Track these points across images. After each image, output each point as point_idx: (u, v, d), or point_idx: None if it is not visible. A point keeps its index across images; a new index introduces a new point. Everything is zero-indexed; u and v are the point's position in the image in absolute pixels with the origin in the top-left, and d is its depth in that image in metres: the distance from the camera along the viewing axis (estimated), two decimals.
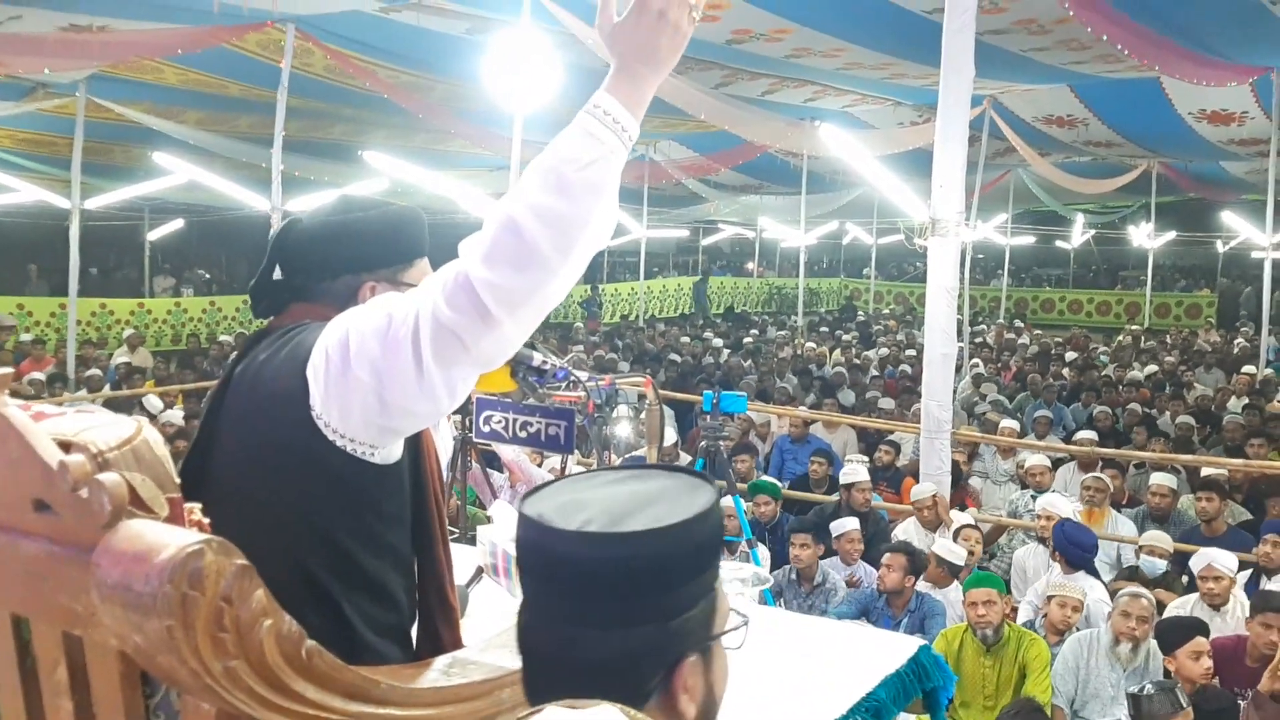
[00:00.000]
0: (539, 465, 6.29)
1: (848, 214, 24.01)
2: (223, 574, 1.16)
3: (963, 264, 8.13)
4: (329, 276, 1.71)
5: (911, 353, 14.46)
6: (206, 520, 1.38)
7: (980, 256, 25.55)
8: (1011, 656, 4.82)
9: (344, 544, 1.57)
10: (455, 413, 1.64)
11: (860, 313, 24.17)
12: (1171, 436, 9.11)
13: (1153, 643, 4.71)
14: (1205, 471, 7.17)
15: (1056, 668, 4.82)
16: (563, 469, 6.39)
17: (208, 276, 24.31)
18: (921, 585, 5.49)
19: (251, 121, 12.86)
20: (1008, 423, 9.16)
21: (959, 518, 6.41)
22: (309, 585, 1.53)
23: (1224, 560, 5.15)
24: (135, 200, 17.08)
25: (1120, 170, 18.08)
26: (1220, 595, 5.10)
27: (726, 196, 22.35)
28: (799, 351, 15.35)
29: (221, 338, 14.84)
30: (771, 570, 5.66)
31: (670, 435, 7.88)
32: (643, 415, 4.31)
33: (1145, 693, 3.85)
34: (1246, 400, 10.77)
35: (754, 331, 19.01)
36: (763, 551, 5.83)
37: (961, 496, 7.52)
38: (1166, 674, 4.41)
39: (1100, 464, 7.55)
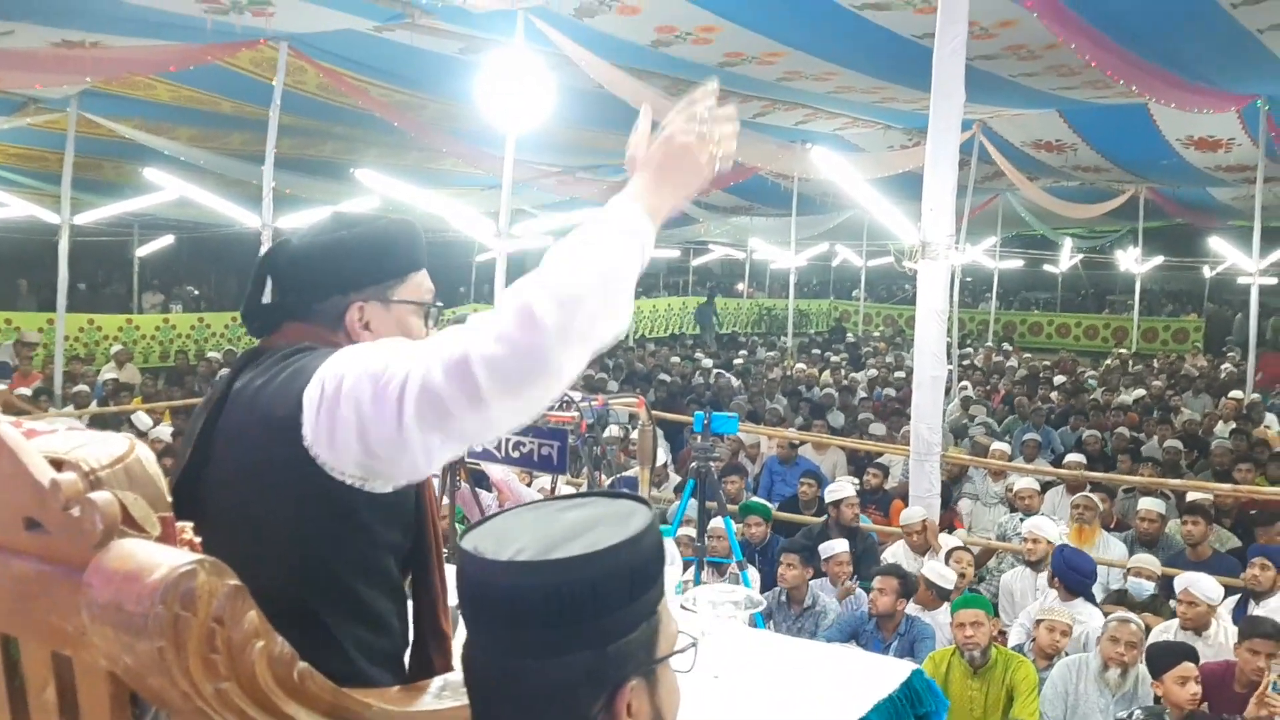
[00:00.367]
0: (528, 485, 6.27)
1: (838, 236, 24.09)
2: (215, 595, 1.15)
3: (952, 287, 8.16)
4: (318, 297, 1.69)
5: (900, 375, 14.51)
6: (198, 540, 1.37)
7: (969, 279, 25.63)
8: (999, 679, 4.81)
9: (338, 570, 1.55)
10: None
11: (850, 334, 24.22)
12: (1159, 461, 9.13)
13: (1142, 668, 4.70)
14: (1191, 496, 7.20)
15: (1046, 692, 4.81)
16: (553, 489, 6.39)
17: (197, 293, 24.25)
18: (910, 608, 5.48)
19: (243, 138, 12.87)
20: (998, 445, 9.19)
21: (949, 540, 6.42)
22: (302, 611, 1.51)
23: (1203, 586, 5.15)
24: (125, 216, 17.03)
25: (1108, 195, 18.21)
26: (1195, 621, 5.10)
27: (717, 217, 22.41)
28: (789, 373, 15.37)
29: (210, 354, 14.78)
30: (762, 592, 5.64)
31: (661, 456, 7.88)
32: (634, 435, 4.31)
33: (1134, 718, 3.85)
34: (1234, 425, 10.81)
35: (744, 352, 19.02)
36: (753, 573, 5.81)
37: (950, 518, 7.52)
38: (1156, 700, 4.40)
39: (1088, 488, 7.56)
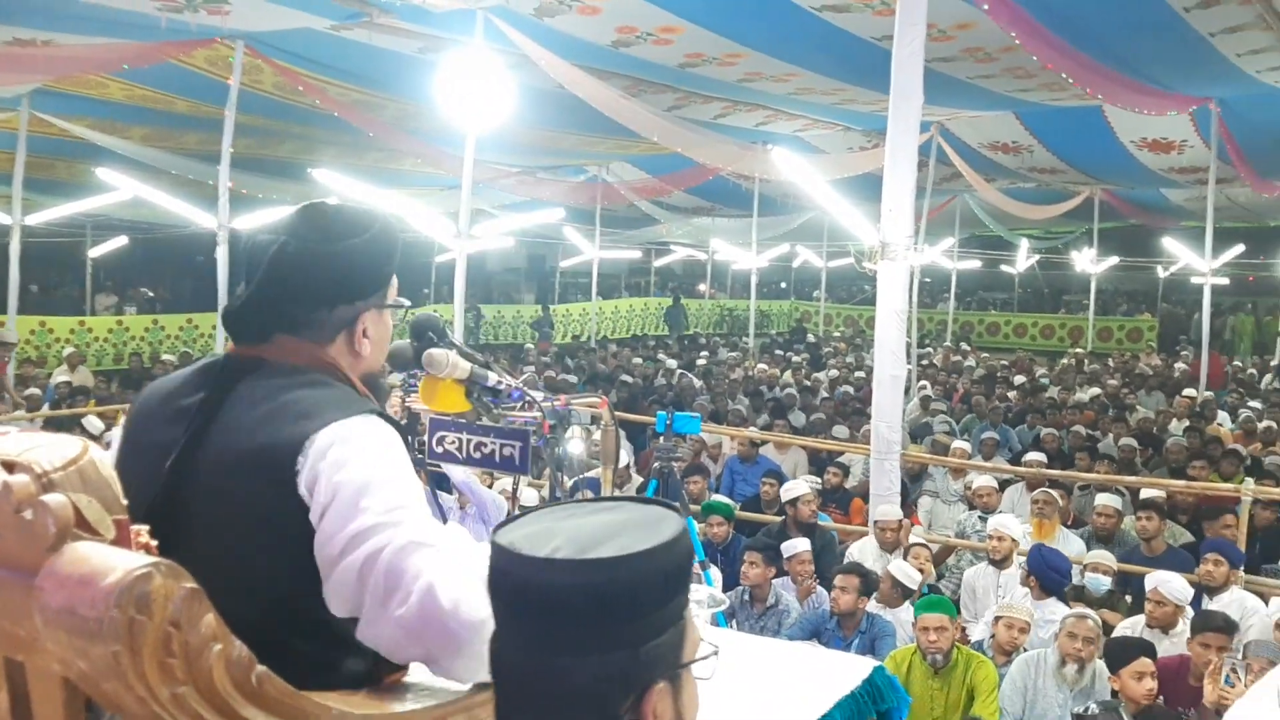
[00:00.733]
0: (489, 487, 6.25)
1: (799, 237, 24.21)
2: (171, 598, 1.14)
3: (911, 287, 8.22)
4: (324, 307, 1.65)
5: (861, 375, 14.60)
6: (154, 543, 1.35)
7: (928, 280, 25.89)
8: (960, 679, 4.85)
9: (311, 601, 1.51)
10: (406, 434, 1.64)
11: (811, 335, 24.35)
12: (1115, 458, 9.25)
13: (1099, 663, 4.76)
14: (1145, 492, 7.29)
15: (1004, 688, 4.85)
16: (514, 491, 6.36)
17: (151, 295, 23.92)
18: (872, 606, 5.51)
19: (199, 138, 12.71)
20: (959, 444, 9.27)
21: (909, 537, 6.47)
22: (271, 635, 1.45)
23: (1173, 586, 5.21)
24: (78, 216, 16.79)
25: (1064, 196, 18.44)
26: (1163, 620, 5.17)
27: (679, 218, 22.45)
28: (750, 373, 15.42)
29: (165, 357, 14.57)
30: (724, 591, 5.65)
31: (624, 457, 7.87)
32: (597, 436, 4.29)
33: (1089, 713, 3.90)
34: (1187, 423, 10.98)
35: (705, 353, 19.07)
36: (715, 573, 5.82)
37: (909, 514, 7.58)
38: (1113, 694, 4.46)
39: (1046, 485, 7.65)
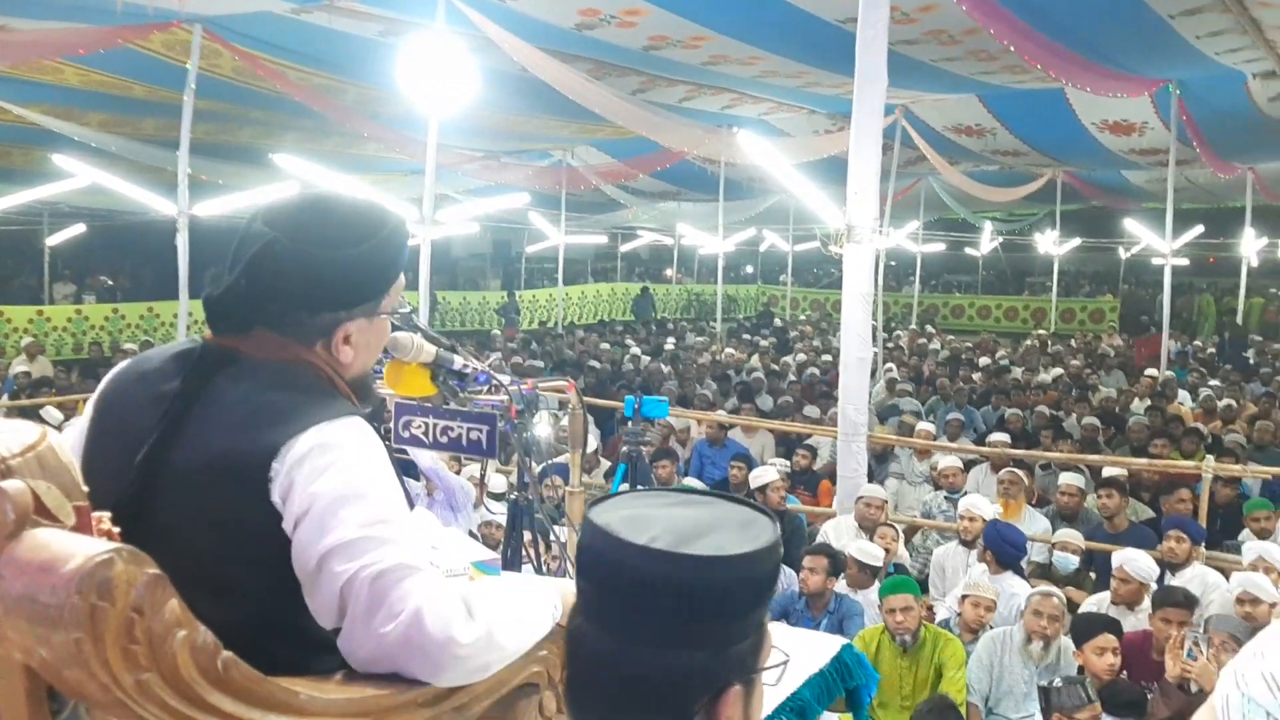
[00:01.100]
0: (457, 473, 6.22)
1: (765, 221, 24.26)
2: (133, 584, 1.12)
3: (876, 270, 8.26)
4: (308, 311, 1.59)
5: (827, 358, 14.67)
6: (116, 530, 1.33)
7: (893, 263, 26.00)
8: (928, 657, 4.89)
9: (286, 611, 1.51)
10: (373, 421, 1.62)
11: (778, 319, 24.43)
12: (1078, 438, 9.36)
13: (1064, 640, 4.83)
14: (1106, 471, 7.39)
15: (971, 665, 4.91)
16: (483, 475, 6.34)
17: (110, 283, 23.59)
18: (840, 587, 5.54)
19: (157, 124, 12.55)
20: (924, 425, 9.34)
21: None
22: (246, 645, 1.42)
23: (1140, 564, 5.28)
24: (34, 204, 16.49)
25: (1026, 179, 18.59)
26: (1128, 597, 5.24)
27: (644, 202, 22.41)
28: (718, 357, 15.45)
29: (126, 346, 14.39)
30: None
31: (591, 442, 7.87)
32: (565, 420, 4.29)
33: (1054, 685, 3.95)
34: (1149, 402, 11.13)
35: (672, 338, 19.09)
36: None
37: None
38: (1079, 670, 4.52)
39: (1011, 465, 7.73)
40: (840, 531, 6.54)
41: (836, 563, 5.48)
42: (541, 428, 3.20)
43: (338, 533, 1.42)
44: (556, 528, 3.44)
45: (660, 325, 22.84)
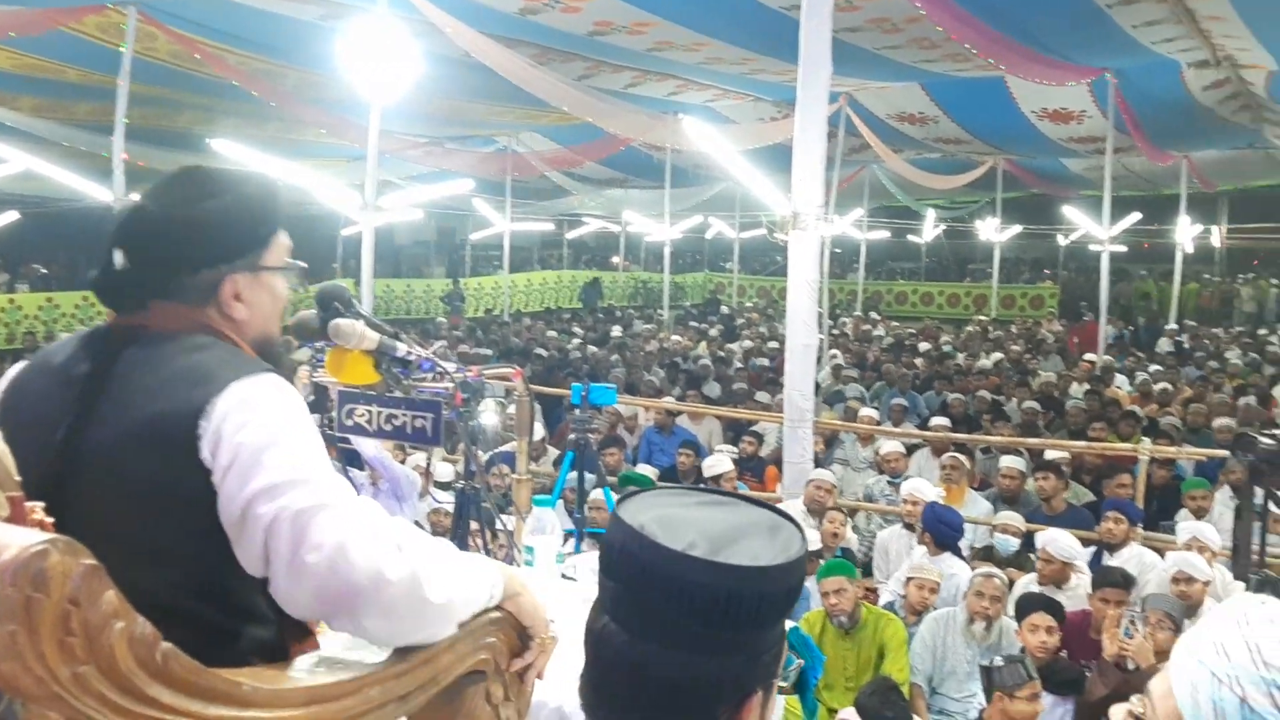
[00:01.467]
0: (402, 463, 6.17)
1: (711, 208, 24.32)
2: (69, 575, 1.09)
3: (822, 258, 8.31)
4: (188, 271, 1.61)
5: (774, 345, 14.75)
6: (50, 520, 1.30)
7: (838, 251, 26.19)
8: (870, 638, 4.95)
9: (215, 569, 1.51)
10: (314, 410, 1.60)
11: (724, 306, 24.52)
12: (1017, 421, 9.51)
13: (1005, 620, 4.91)
14: (1048, 454, 7.52)
15: (915, 647, 4.97)
16: (429, 465, 6.29)
17: (45, 272, 23.07)
18: None
19: (91, 108, 12.29)
20: (867, 411, 9.43)
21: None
22: (175, 604, 1.47)
23: (1061, 544, 5.39)
24: None
25: (968, 166, 18.83)
26: (1052, 576, 5.34)
27: (590, 189, 22.37)
28: (665, 345, 15.48)
29: (61, 335, 14.06)
30: None
31: (538, 430, 7.84)
32: (511, 408, 4.27)
33: (995, 665, 4.02)
34: (1087, 386, 11.34)
35: (619, 326, 19.09)
36: None
37: None
38: (1021, 650, 4.60)
39: (953, 449, 7.84)
40: (794, 513, 6.58)
41: None
42: (488, 415, 3.18)
43: (260, 478, 1.44)
44: (504, 516, 3.43)
45: (607, 313, 22.81)
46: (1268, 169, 18.82)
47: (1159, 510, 7.28)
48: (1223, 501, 6.80)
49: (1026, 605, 4.75)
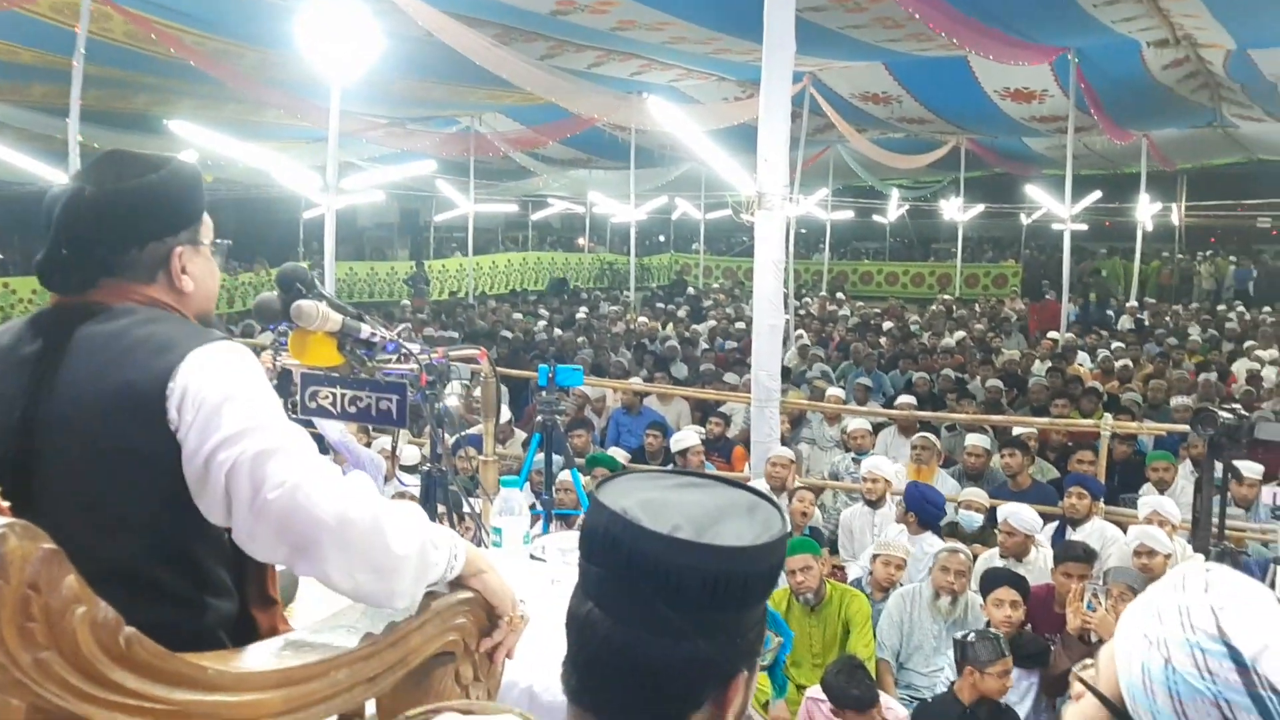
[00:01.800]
0: (367, 446, 6.14)
1: (677, 189, 24.29)
2: (28, 560, 1.08)
3: (787, 238, 8.33)
4: (134, 246, 1.65)
5: (740, 325, 14.78)
6: (6, 504, 1.28)
7: (803, 231, 26.24)
8: (834, 615, 4.99)
9: (182, 540, 1.56)
10: (278, 393, 1.61)
11: (691, 287, 24.53)
12: (981, 399, 9.60)
13: (971, 595, 4.97)
14: (1016, 430, 7.59)
15: (881, 623, 5.02)
16: (394, 448, 6.25)
17: (0, 257, 22.70)
18: None
19: (45, 90, 12.08)
20: (834, 390, 9.48)
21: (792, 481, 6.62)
22: (142, 575, 1.51)
23: (1022, 517, 5.46)
24: None
25: (932, 146, 18.91)
26: (1014, 549, 5.40)
27: (555, 170, 22.28)
28: (631, 326, 15.46)
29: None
30: None
31: (505, 412, 7.82)
32: (477, 391, 4.24)
33: (968, 640, 4.07)
34: (1049, 364, 11.45)
35: (585, 308, 19.05)
36: None
37: None
38: (987, 624, 4.65)
39: (919, 427, 7.90)
40: None
41: None
42: (453, 398, 3.16)
43: (221, 430, 1.49)
44: (470, 499, 3.41)
45: (573, 295, 22.75)
46: (1225, 147, 19.05)
47: (1121, 484, 7.38)
48: (1184, 475, 6.90)
49: (991, 580, 4.81)
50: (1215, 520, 4.63)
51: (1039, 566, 5.35)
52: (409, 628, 1.57)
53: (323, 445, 5.49)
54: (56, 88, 10.80)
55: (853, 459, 7.65)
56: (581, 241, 31.28)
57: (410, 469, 6.18)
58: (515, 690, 2.20)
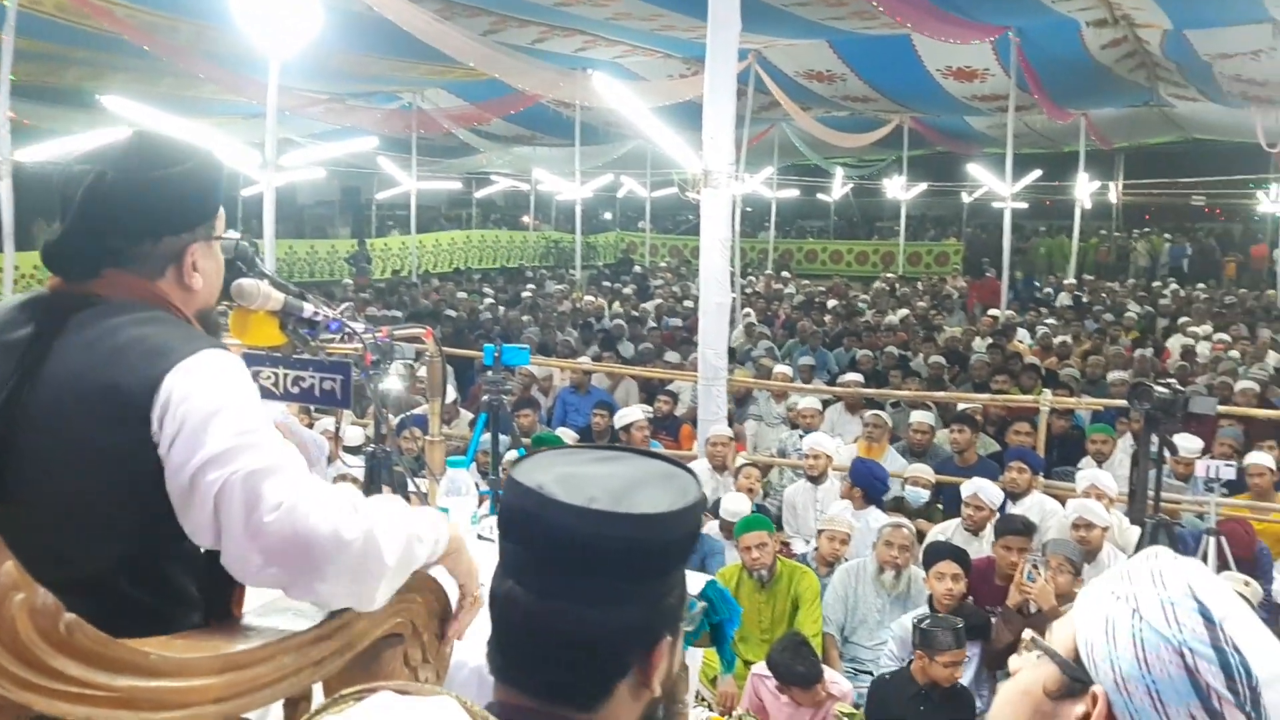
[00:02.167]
0: (309, 427, 6.06)
1: (622, 166, 24.20)
2: None
3: (733, 216, 8.34)
4: (150, 239, 1.59)
5: (688, 304, 14.81)
6: None
7: (749, 209, 26.32)
8: (784, 591, 5.03)
9: (150, 549, 1.51)
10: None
11: (637, 265, 24.49)
12: (925, 376, 9.71)
13: (914, 569, 5.04)
14: (959, 407, 7.70)
15: (827, 598, 5.08)
16: (337, 429, 6.19)
17: None
18: (714, 532, 5.64)
19: None
20: (781, 368, 9.53)
21: (738, 458, 6.64)
22: (112, 591, 1.46)
23: (989, 492, 5.56)
24: None
25: (875, 125, 19.02)
26: (979, 523, 5.49)
27: (499, 147, 22.08)
28: (578, 305, 15.42)
29: None
30: None
31: (450, 393, 7.76)
32: (422, 370, 4.21)
33: (927, 625, 4.09)
34: (990, 340, 11.62)
35: (531, 285, 18.97)
36: None
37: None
38: (930, 597, 4.72)
39: (864, 403, 7.98)
40: (700, 471, 6.65)
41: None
42: (397, 378, 3.12)
43: (208, 446, 1.43)
44: (416, 480, 3.39)
45: (518, 273, 22.61)
46: (1162, 127, 19.39)
47: (1059, 458, 7.52)
48: (1123, 449, 7.05)
49: (933, 554, 4.87)
50: (1151, 493, 4.73)
51: (991, 541, 5.43)
52: (356, 611, 1.55)
53: None
54: None
55: (800, 436, 7.70)
56: (526, 219, 31.06)
57: (354, 450, 6.12)
58: (464, 670, 2.19)
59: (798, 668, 4.23)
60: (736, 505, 5.71)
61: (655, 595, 1.09)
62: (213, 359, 1.52)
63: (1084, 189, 19.54)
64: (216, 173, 1.68)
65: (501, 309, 14.94)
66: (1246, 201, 25.95)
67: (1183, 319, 14.11)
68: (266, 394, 2.82)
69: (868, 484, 5.85)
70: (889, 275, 21.67)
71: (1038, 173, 18.75)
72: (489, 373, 5.17)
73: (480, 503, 4.48)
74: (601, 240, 30.15)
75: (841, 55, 14.00)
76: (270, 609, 1.57)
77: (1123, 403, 6.53)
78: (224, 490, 1.41)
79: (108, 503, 1.46)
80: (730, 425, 7.54)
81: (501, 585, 1.10)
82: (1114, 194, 26.96)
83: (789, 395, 8.80)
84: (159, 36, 10.98)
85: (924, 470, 6.45)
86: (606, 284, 19.48)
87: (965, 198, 27.42)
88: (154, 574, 1.51)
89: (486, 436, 5.20)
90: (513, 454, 5.78)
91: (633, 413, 7.15)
